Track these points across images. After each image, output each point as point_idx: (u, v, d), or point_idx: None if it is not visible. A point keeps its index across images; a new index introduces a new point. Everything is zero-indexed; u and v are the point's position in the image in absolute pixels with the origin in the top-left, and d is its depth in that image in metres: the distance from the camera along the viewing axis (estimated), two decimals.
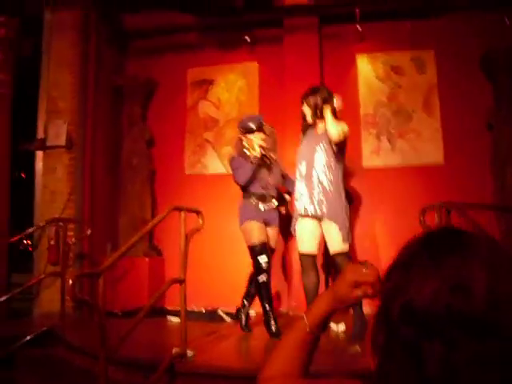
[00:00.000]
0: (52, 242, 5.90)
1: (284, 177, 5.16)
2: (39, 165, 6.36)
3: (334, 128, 4.18)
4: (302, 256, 4.47)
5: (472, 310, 0.75)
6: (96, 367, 3.03)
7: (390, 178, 6.23)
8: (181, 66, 7.07)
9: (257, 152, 4.79)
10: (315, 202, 4.32)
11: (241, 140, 4.99)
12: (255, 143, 4.84)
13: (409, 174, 6.25)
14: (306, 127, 4.58)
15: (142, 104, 7.09)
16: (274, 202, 4.94)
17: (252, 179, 4.80)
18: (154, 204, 6.91)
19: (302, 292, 5.06)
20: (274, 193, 4.96)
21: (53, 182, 6.24)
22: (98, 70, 6.58)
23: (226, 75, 7.02)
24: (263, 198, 4.85)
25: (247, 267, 5.12)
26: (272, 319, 4.59)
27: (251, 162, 4.77)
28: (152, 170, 6.93)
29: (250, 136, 4.91)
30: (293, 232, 4.54)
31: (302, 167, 4.46)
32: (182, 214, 3.79)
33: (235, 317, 5.18)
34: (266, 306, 4.61)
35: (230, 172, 4.98)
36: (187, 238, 3.79)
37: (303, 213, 4.39)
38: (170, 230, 5.97)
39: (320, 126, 4.47)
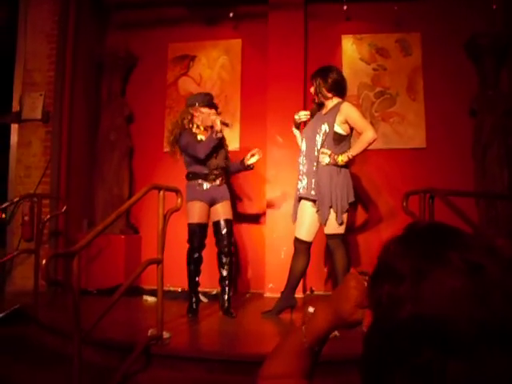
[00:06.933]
0: (26, 218, 5.78)
1: (227, 158, 5.09)
2: (14, 138, 6.19)
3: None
4: (298, 240, 4.46)
5: (496, 316, 0.68)
6: (70, 348, 2.95)
7: (372, 161, 6.17)
8: (162, 40, 6.90)
9: (218, 127, 4.69)
10: (313, 183, 4.36)
11: (190, 114, 4.92)
12: (217, 119, 4.73)
13: (391, 158, 6.22)
14: (317, 105, 4.63)
15: (122, 78, 6.91)
16: (219, 180, 4.92)
17: (211, 154, 4.79)
18: (131, 181, 6.79)
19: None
20: (217, 171, 4.91)
21: (28, 156, 6.10)
22: (77, 41, 6.36)
23: (208, 51, 6.87)
24: (206, 177, 4.85)
25: None
26: (194, 297, 4.84)
27: (214, 137, 4.68)
28: (130, 147, 6.78)
29: (205, 110, 4.87)
30: (293, 216, 4.55)
31: (304, 146, 4.50)
32: (161, 193, 3.69)
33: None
34: (191, 282, 4.84)
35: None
36: (166, 217, 3.70)
37: (303, 193, 4.43)
38: (148, 208, 5.90)
39: (327, 105, 4.48)
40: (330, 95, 4.47)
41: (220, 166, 4.92)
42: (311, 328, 1.07)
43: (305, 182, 4.43)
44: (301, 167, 4.51)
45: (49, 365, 3.67)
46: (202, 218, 4.81)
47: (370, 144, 4.27)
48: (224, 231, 4.86)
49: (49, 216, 5.59)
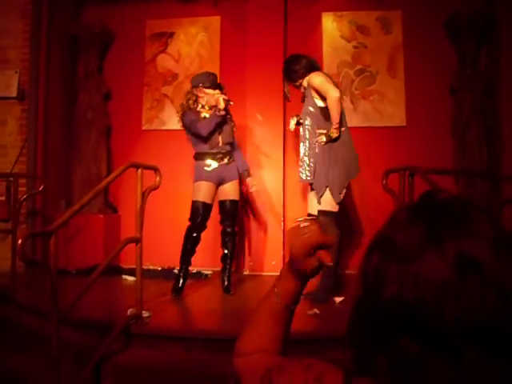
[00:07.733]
0: (2, 198, 5.70)
1: (233, 136, 5.02)
2: None
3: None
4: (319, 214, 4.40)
5: (483, 314, 0.63)
6: (48, 328, 2.92)
7: (352, 138, 6.15)
8: (140, 17, 6.78)
9: (221, 105, 4.66)
10: (308, 166, 4.38)
11: (194, 95, 4.86)
12: (220, 97, 4.70)
13: (371, 136, 6.20)
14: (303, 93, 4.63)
15: (99, 55, 6.78)
16: (227, 159, 4.87)
17: (214, 131, 4.74)
18: (109, 159, 6.71)
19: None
20: (225, 150, 4.86)
21: (3, 135, 6.01)
22: (52, 17, 6.20)
23: (186, 28, 6.77)
24: (214, 157, 4.80)
25: None
26: (181, 277, 4.78)
27: (217, 114, 4.67)
28: (108, 125, 6.70)
29: (209, 91, 4.81)
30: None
31: (301, 131, 4.51)
32: (139, 171, 3.65)
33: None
34: (183, 261, 4.81)
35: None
36: (144, 196, 3.66)
37: (303, 178, 4.42)
38: (126, 187, 5.85)
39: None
40: (299, 82, 4.49)
41: (225, 143, 4.87)
42: (282, 288, 1.08)
43: (303, 166, 4.42)
44: (300, 153, 4.50)
45: (28, 345, 3.65)
46: (207, 198, 4.77)
47: (338, 103, 4.25)
48: (229, 211, 4.87)
49: (25, 195, 5.51)
